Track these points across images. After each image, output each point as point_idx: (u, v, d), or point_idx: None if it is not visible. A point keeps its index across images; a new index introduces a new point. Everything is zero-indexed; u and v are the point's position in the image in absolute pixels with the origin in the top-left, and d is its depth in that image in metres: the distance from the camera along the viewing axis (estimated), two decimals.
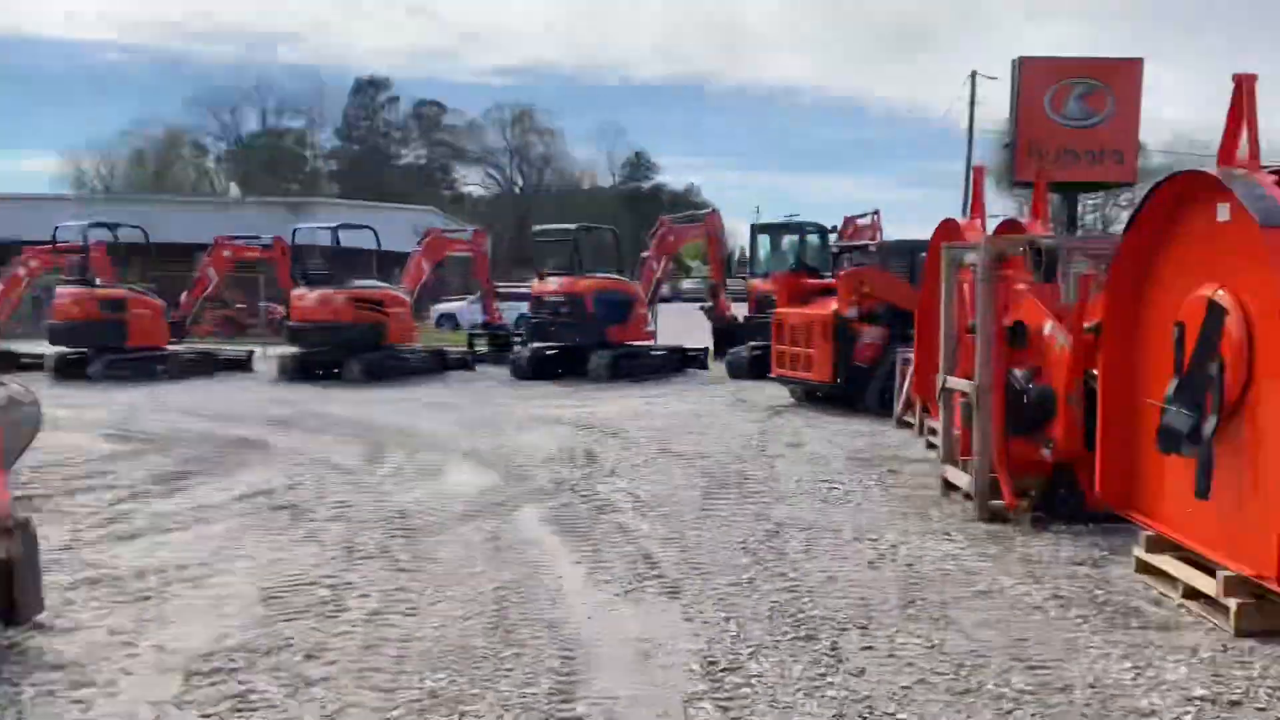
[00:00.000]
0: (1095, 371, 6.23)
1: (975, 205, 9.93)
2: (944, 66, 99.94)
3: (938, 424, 8.27)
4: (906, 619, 4.96)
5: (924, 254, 10.24)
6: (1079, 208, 29.63)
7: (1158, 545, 5.49)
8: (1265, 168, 5.12)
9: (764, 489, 7.97)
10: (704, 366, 17.96)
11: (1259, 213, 4.62)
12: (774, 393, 13.98)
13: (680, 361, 17.86)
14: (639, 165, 74.94)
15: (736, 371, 16.46)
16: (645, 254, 19.07)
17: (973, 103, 40.56)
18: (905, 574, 5.71)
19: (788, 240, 20.78)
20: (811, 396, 13.20)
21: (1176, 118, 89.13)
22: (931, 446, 9.16)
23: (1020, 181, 24.33)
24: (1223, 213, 4.99)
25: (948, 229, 9.51)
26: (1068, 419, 6.71)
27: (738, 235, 37.35)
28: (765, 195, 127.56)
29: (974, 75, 40.61)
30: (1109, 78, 23.88)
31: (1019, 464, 7.07)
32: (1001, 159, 29.26)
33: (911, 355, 10.46)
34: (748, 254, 24.68)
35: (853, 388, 12.33)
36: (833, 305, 12.56)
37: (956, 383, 7.66)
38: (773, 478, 8.42)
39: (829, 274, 15.24)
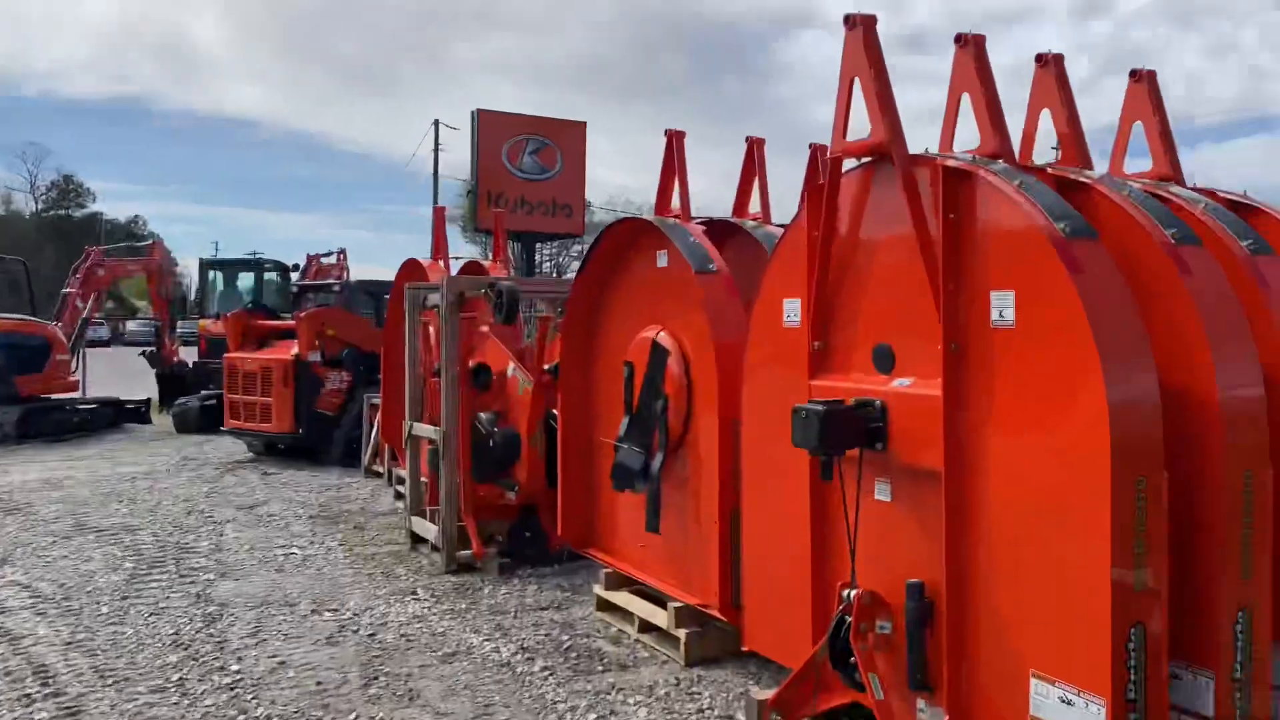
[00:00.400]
0: (556, 412, 6.28)
1: (438, 246, 9.83)
2: (411, 111, 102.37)
3: (407, 472, 7.86)
4: (368, 700, 4.41)
5: (390, 295, 9.85)
6: (537, 256, 31.75)
7: (616, 582, 5.60)
8: (695, 218, 5.52)
9: (208, 563, 6.87)
10: (146, 420, 15.70)
11: (692, 259, 4.91)
12: (230, 447, 12.57)
13: (115, 415, 15.41)
14: (69, 191, 65.50)
15: (185, 425, 14.62)
16: (68, 290, 16.23)
17: (436, 150, 41.86)
18: (368, 646, 5.14)
19: (244, 278, 19.13)
20: (272, 449, 12.07)
21: (613, 180, 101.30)
22: (400, 497, 8.72)
23: (483, 228, 25.41)
24: (662, 259, 5.25)
25: (411, 269, 9.25)
26: (530, 460, 6.71)
27: (192, 272, 34.07)
28: (224, 231, 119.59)
29: (437, 124, 42.04)
30: (557, 136, 26.01)
31: (487, 510, 6.92)
32: (466, 205, 30.37)
33: (379, 400, 9.99)
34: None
35: (317, 438, 11.48)
36: (293, 349, 11.61)
37: (423, 429, 7.32)
38: (220, 548, 7.33)
39: (290, 315, 14.19)
